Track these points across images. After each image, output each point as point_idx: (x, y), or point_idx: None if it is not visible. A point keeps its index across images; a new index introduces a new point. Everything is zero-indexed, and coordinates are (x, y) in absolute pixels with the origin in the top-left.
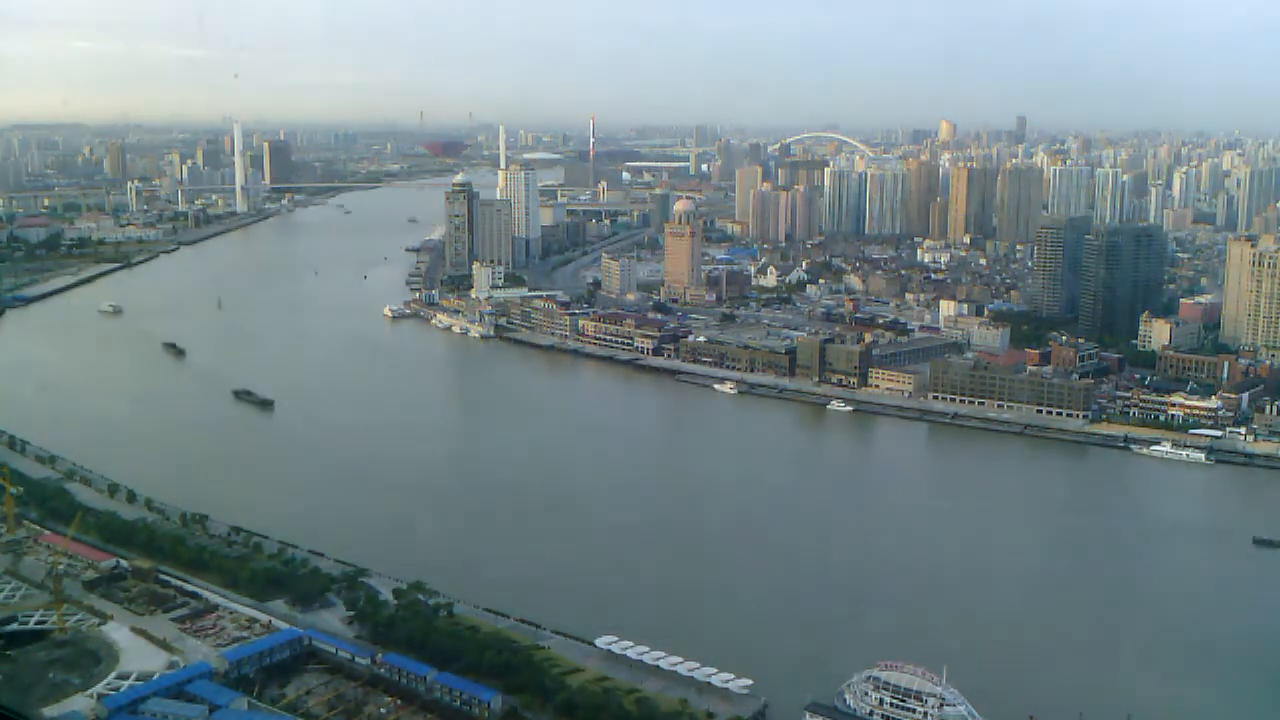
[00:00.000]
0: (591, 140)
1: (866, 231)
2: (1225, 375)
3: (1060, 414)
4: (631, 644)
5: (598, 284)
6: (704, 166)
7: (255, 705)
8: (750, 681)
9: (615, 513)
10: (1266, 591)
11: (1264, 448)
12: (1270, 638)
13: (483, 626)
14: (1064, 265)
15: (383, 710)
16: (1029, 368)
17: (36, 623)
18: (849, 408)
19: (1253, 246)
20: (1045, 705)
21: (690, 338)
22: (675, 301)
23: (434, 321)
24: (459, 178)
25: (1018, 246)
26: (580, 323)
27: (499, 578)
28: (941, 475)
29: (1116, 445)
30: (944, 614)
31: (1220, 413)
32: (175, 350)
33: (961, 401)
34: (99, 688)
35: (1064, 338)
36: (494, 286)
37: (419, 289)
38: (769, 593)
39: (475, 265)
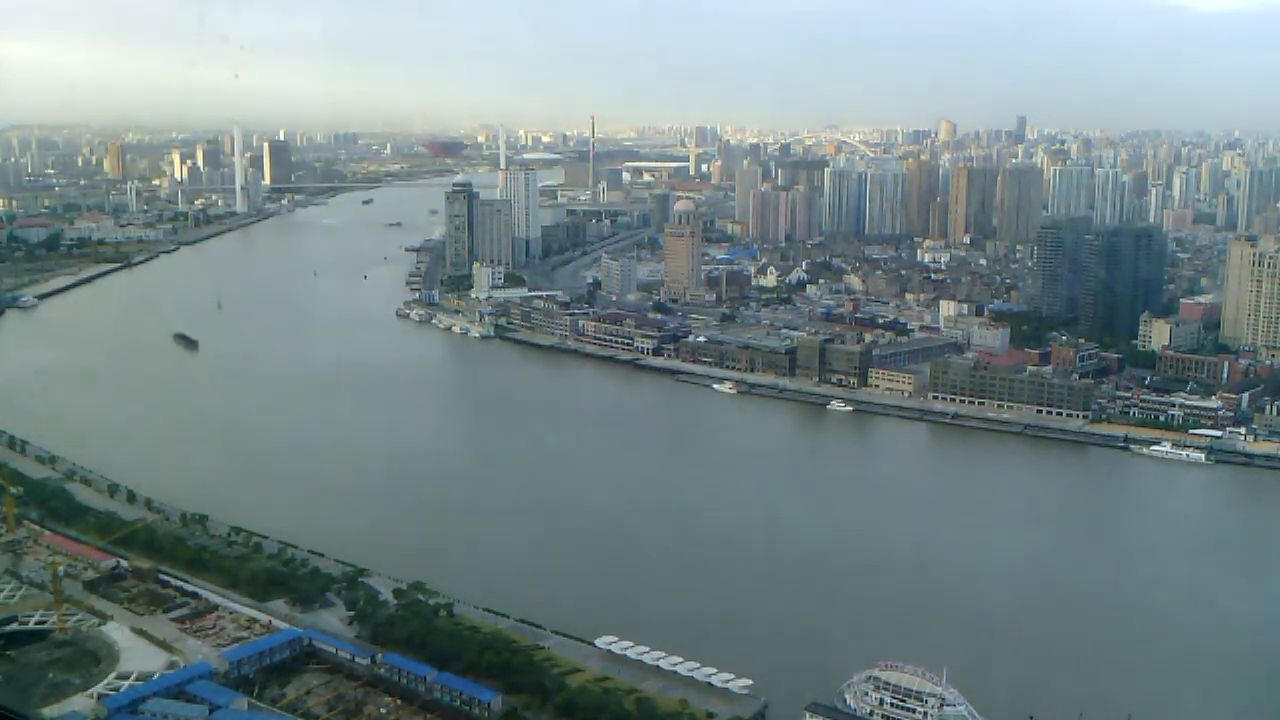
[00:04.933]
0: (591, 140)
1: (866, 231)
2: (1225, 375)
3: (1060, 414)
4: (631, 644)
5: (598, 284)
6: (704, 166)
7: (255, 705)
8: (750, 681)
9: (615, 512)
10: (1266, 591)
11: (1264, 448)
12: (1270, 637)
13: (483, 626)
14: (1064, 265)
15: (383, 710)
16: (1029, 368)
17: (36, 623)
18: (849, 408)
19: (1253, 246)
20: (1045, 705)
21: (690, 338)
22: (675, 301)
23: (434, 321)
24: (459, 177)
25: (1018, 246)
26: (580, 323)
27: (499, 578)
28: (941, 475)
29: (1116, 445)
30: (944, 614)
31: (1220, 413)
32: (184, 343)
33: (961, 401)
34: (99, 688)
35: (1064, 338)
36: (494, 286)
37: (419, 289)
38: (769, 592)
39: (475, 265)
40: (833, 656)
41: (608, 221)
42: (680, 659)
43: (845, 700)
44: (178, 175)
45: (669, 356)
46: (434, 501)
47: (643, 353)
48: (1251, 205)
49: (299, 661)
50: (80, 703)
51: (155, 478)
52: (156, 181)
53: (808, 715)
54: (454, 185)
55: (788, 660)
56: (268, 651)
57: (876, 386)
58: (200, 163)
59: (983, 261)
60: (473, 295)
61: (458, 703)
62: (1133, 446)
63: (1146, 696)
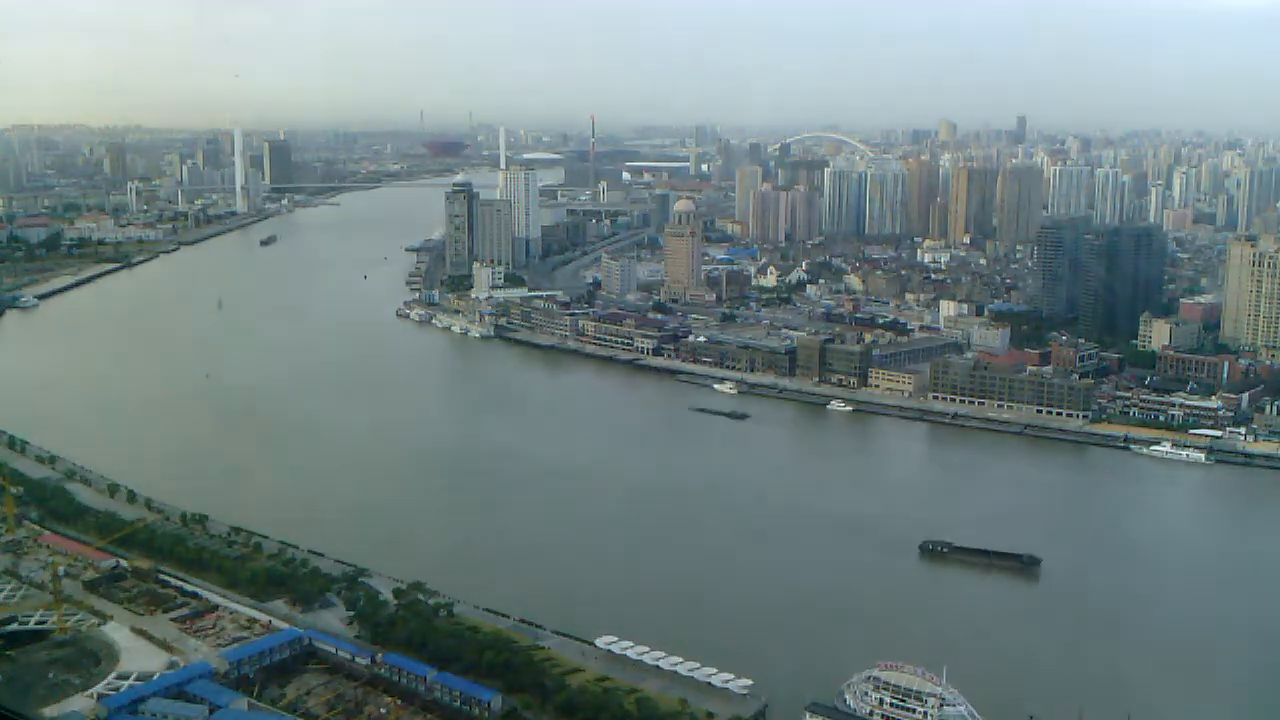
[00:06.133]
0: (591, 140)
1: (866, 231)
2: (1225, 375)
3: (1060, 414)
4: (631, 644)
5: (598, 284)
6: (704, 166)
7: (255, 705)
8: (750, 681)
9: (615, 512)
10: (1266, 591)
11: (1264, 448)
12: (1271, 637)
13: (483, 626)
14: (1064, 265)
15: (383, 710)
16: (1029, 368)
17: (36, 623)
18: (849, 408)
19: (1253, 246)
20: (1045, 705)
21: (690, 338)
22: (675, 301)
23: (434, 321)
24: (459, 177)
25: (1018, 246)
26: (580, 323)
27: (499, 578)
28: (941, 475)
29: (1116, 445)
30: (944, 614)
31: (1220, 413)
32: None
33: (961, 401)
34: (99, 688)
35: (1064, 338)
36: (494, 286)
37: (419, 289)
38: (769, 592)
39: (475, 265)
40: (833, 656)
41: (608, 221)
42: (680, 659)
43: (845, 700)
44: (178, 175)
45: (669, 356)
46: (434, 501)
47: (643, 353)
48: (1251, 205)
49: (299, 661)
50: (80, 703)
51: (155, 478)
52: (156, 182)
53: (808, 715)
54: (454, 185)
55: (788, 660)
56: (268, 651)
57: (876, 386)
58: (200, 163)
59: (983, 261)
60: (473, 295)
61: (458, 703)
62: (1133, 446)
63: (1146, 696)
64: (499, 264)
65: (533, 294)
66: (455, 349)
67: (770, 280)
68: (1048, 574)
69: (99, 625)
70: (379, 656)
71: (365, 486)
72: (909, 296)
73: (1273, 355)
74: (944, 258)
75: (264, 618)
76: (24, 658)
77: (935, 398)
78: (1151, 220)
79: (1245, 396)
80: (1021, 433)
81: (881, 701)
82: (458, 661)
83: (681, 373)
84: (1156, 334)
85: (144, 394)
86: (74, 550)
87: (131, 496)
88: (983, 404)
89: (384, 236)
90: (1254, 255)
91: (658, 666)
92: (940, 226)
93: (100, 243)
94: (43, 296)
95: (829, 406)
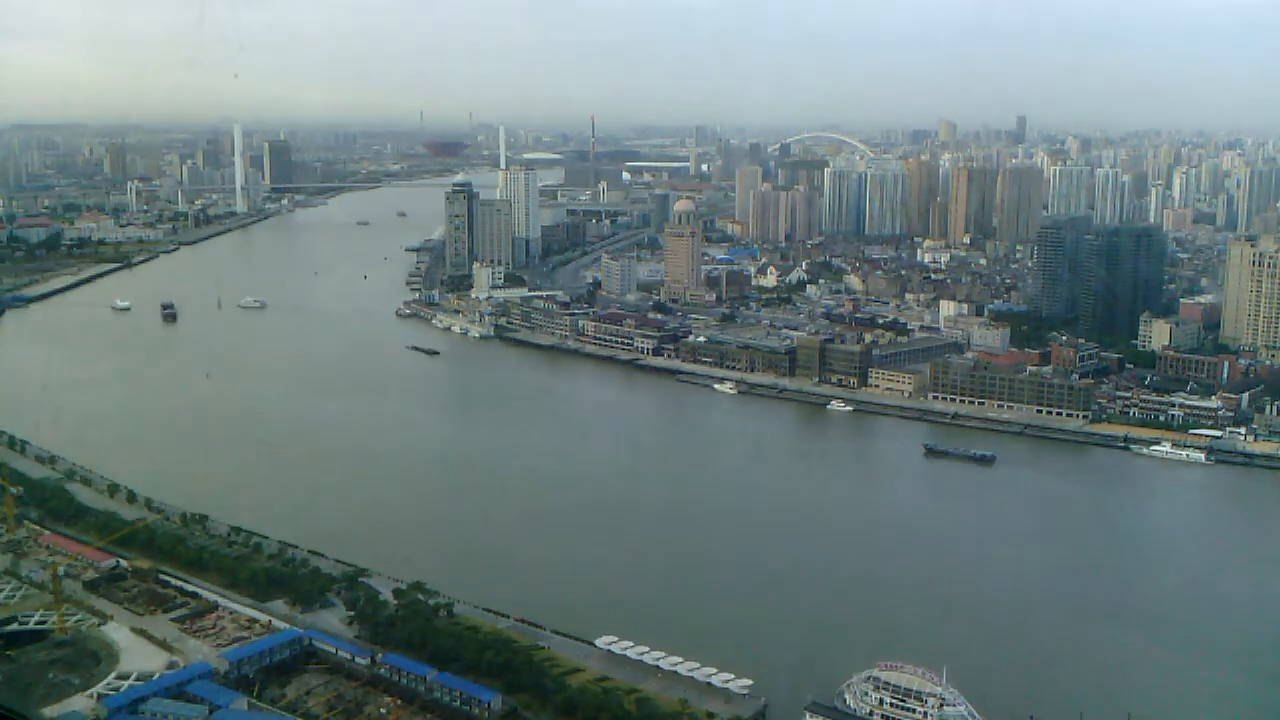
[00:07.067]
0: (592, 140)
1: (866, 231)
2: (1225, 375)
3: (1060, 414)
4: (631, 644)
5: (598, 284)
6: (704, 166)
7: (255, 705)
8: (750, 681)
9: (615, 512)
10: (1266, 590)
11: (1264, 448)
12: (1271, 637)
13: (483, 626)
14: (1064, 265)
15: (383, 710)
16: (1029, 368)
17: (36, 623)
18: (849, 408)
19: (1253, 246)
20: (1045, 705)
21: (690, 338)
22: (675, 301)
23: (434, 321)
24: (459, 177)
25: (1018, 246)
26: (580, 323)
27: (499, 578)
28: (941, 475)
29: (1116, 445)
30: (944, 614)
31: (1220, 413)
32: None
33: (961, 401)
34: (99, 688)
35: (1064, 338)
36: (494, 286)
37: (419, 289)
38: (769, 593)
39: (475, 265)
40: (833, 656)
41: (608, 221)
42: (680, 659)
43: (845, 700)
44: (178, 175)
45: (669, 356)
46: (434, 501)
47: (643, 353)
48: (1251, 205)
49: (299, 661)
50: (80, 703)
51: (155, 478)
52: (156, 181)
53: (808, 715)
54: (454, 185)
55: (788, 660)
56: (268, 651)
57: (876, 386)
58: (200, 163)
59: (983, 261)
60: (473, 295)
61: (458, 703)
62: (1133, 447)
63: (1147, 696)
64: (499, 264)
65: (533, 294)
66: (455, 349)
67: (770, 280)
68: (1044, 572)
69: (99, 625)
70: (379, 656)
71: (365, 486)
72: (909, 296)
73: (1273, 355)
74: (944, 258)
75: (264, 618)
76: (24, 658)
77: (935, 398)
78: (1151, 220)
79: (1245, 396)
80: (1021, 433)
81: (881, 701)
82: (458, 661)
83: (681, 373)
84: (1156, 334)
85: (144, 393)
86: (74, 550)
87: (131, 496)
88: (983, 404)
89: (384, 236)
90: (1254, 255)
91: (658, 666)
92: (940, 226)
93: (100, 243)
94: (43, 296)
95: (829, 406)
